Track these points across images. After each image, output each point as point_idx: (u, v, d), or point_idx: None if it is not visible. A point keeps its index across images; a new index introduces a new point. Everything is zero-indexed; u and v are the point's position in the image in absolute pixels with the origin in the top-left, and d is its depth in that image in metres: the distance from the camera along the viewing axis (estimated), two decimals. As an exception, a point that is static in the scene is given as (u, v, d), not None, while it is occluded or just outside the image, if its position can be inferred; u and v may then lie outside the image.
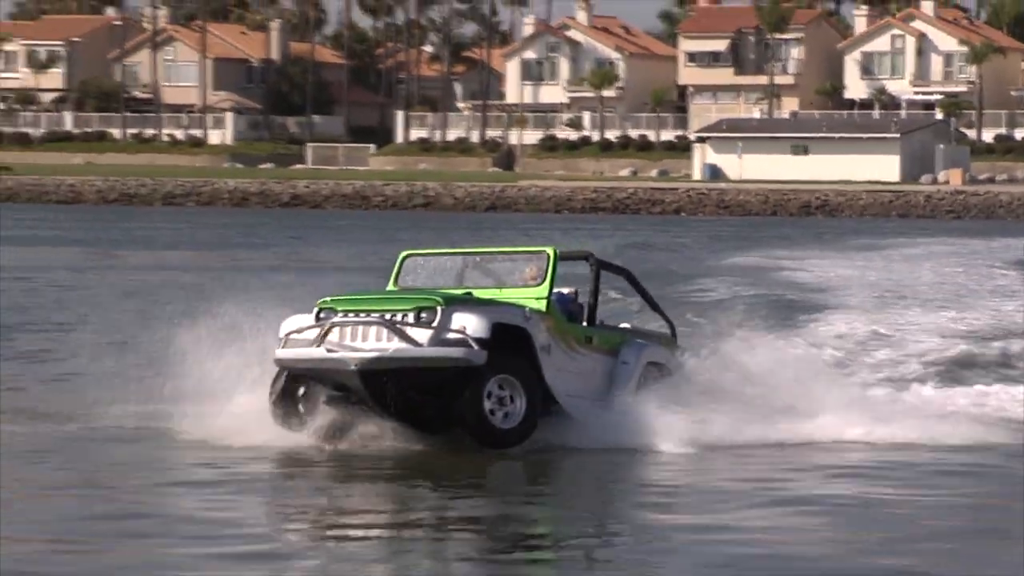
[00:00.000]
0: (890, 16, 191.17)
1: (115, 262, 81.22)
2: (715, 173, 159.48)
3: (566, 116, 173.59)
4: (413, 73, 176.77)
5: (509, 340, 24.94)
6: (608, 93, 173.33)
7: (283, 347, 25.04)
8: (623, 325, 28.91)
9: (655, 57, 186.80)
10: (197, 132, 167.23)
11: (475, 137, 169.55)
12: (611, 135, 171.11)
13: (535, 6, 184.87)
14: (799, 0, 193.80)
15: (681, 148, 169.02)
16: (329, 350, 24.47)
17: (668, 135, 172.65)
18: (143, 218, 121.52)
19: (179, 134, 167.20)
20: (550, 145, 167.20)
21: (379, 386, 24.69)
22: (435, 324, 24.09)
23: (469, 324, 24.07)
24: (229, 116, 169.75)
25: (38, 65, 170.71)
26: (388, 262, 74.45)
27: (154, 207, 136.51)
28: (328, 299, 25.43)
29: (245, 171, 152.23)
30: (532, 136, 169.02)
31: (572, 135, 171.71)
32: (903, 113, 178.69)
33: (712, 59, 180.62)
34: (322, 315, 24.96)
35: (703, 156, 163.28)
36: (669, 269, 77.75)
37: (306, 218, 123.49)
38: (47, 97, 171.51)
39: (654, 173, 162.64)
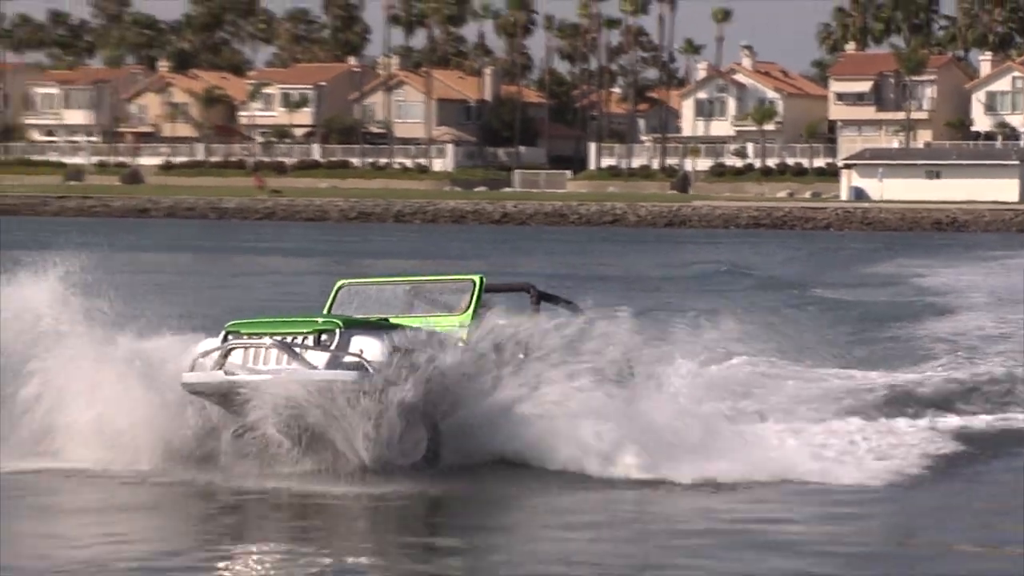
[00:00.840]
0: (1011, 61, 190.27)
1: (358, 268, 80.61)
2: (859, 195, 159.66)
3: (733, 147, 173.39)
4: (604, 111, 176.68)
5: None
6: (768, 127, 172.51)
7: (190, 370, 23.05)
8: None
9: (809, 96, 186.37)
10: (423, 161, 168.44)
11: (656, 164, 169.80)
12: (771, 162, 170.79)
13: (707, 54, 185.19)
14: (932, 47, 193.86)
15: (830, 173, 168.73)
16: (227, 372, 22.43)
17: (819, 162, 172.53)
18: (378, 233, 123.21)
19: (408, 163, 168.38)
20: (719, 171, 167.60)
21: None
22: (333, 347, 22.13)
23: (366, 347, 22.05)
24: (449, 147, 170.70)
25: (291, 105, 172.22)
26: (582, 268, 77.24)
27: (387, 223, 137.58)
28: (235, 322, 23.41)
29: (462, 193, 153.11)
30: (704, 163, 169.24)
31: (738, 163, 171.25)
32: (1022, 143, 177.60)
33: (857, 98, 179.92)
34: (229, 338, 22.95)
35: (849, 180, 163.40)
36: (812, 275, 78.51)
37: (513, 233, 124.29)
38: (299, 132, 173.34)
39: (807, 194, 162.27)
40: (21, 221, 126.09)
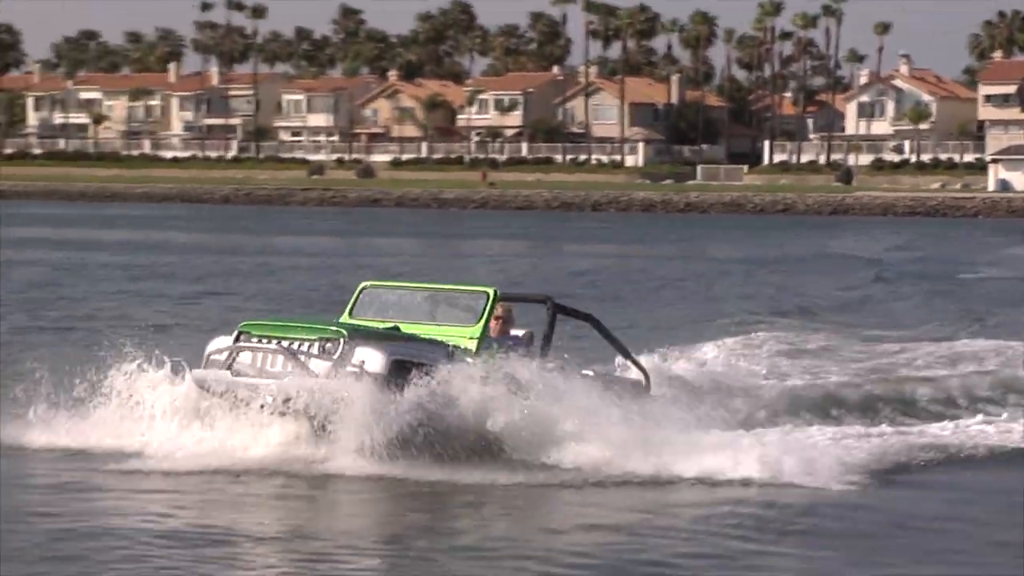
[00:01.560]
0: None
1: (563, 250, 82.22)
2: (1005, 186, 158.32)
3: (891, 144, 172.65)
4: (776, 113, 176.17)
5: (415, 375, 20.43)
6: (923, 126, 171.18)
7: (203, 367, 21.58)
8: (585, 372, 22.71)
9: (959, 99, 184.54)
10: (617, 157, 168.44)
11: (822, 160, 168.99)
12: (925, 158, 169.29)
13: (869, 62, 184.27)
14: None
15: (979, 167, 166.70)
16: (235, 374, 20.85)
17: (969, 157, 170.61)
18: (576, 220, 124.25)
19: (604, 159, 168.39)
20: (879, 166, 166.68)
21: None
22: (336, 356, 20.27)
23: (368, 359, 20.14)
24: (640, 145, 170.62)
25: (503, 109, 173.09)
26: (755, 254, 77.54)
27: (584, 212, 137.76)
28: (248, 323, 21.62)
29: (651, 186, 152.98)
30: (865, 159, 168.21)
31: (895, 158, 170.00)
32: None
33: (1004, 100, 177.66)
34: (240, 339, 21.20)
35: (996, 173, 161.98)
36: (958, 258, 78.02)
37: (696, 220, 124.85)
38: (509, 132, 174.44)
39: (958, 186, 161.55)
40: (274, 210, 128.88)
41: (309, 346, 20.62)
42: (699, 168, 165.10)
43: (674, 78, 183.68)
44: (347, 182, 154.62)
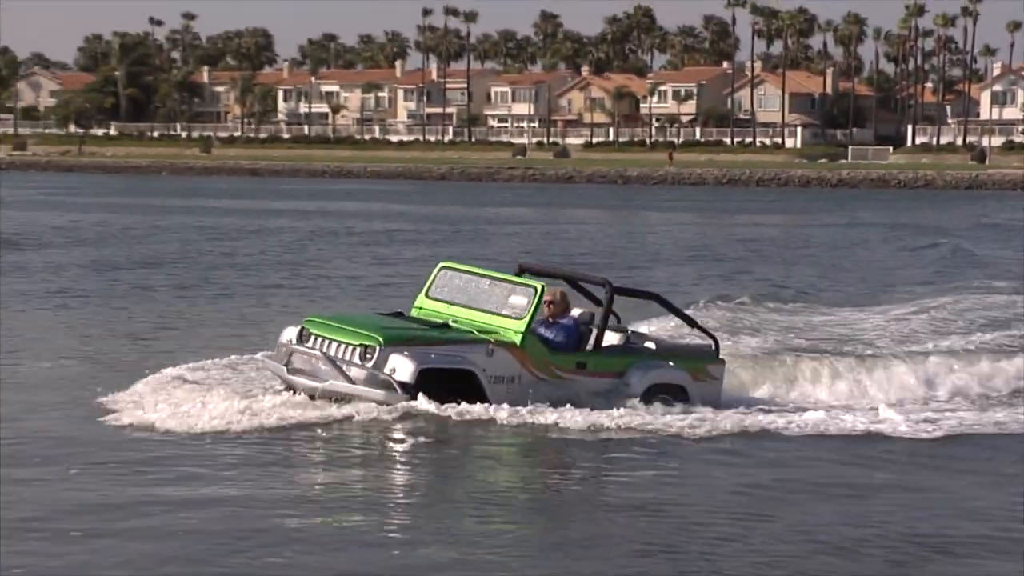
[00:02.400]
0: None
1: (730, 222, 79.49)
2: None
3: (1021, 127, 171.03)
4: (919, 100, 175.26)
5: (457, 377, 18.85)
6: None
7: (272, 353, 20.51)
8: (648, 344, 20.69)
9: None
10: (778, 140, 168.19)
11: (959, 142, 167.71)
12: None
13: (1001, 55, 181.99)
14: None
15: None
16: (290, 371, 19.62)
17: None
18: (742, 194, 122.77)
19: (767, 141, 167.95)
20: (1010, 147, 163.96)
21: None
22: (372, 363, 18.69)
23: (398, 367, 18.55)
24: (799, 130, 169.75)
25: (680, 99, 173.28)
26: (904, 225, 75.83)
27: (749, 187, 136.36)
28: (311, 317, 20.25)
29: (808, 164, 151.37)
30: (997, 140, 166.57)
31: None
32: None
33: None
34: (303, 332, 19.79)
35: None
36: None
37: (846, 194, 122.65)
38: (685, 119, 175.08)
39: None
40: (483, 185, 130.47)
41: (352, 351, 18.82)
42: (850, 149, 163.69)
43: (829, 71, 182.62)
44: (545, 162, 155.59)
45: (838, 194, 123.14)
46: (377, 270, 45.11)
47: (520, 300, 19.28)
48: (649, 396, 19.54)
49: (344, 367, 18.86)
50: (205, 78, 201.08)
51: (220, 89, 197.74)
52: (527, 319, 19.12)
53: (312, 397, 19.19)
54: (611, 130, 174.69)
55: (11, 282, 38.37)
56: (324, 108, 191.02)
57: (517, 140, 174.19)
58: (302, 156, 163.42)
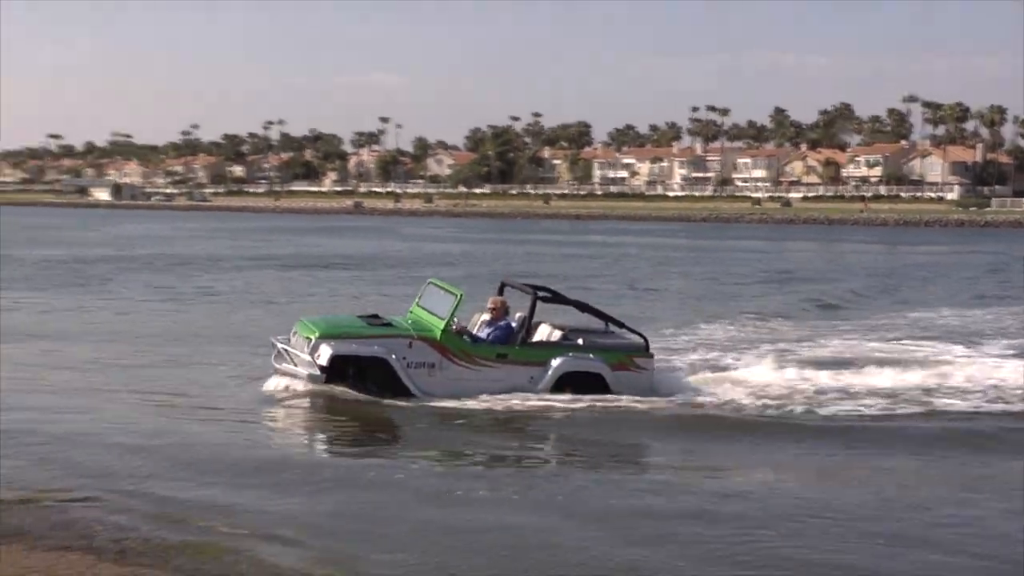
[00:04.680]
0: None
1: (906, 251, 74.64)
2: None
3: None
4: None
5: (372, 363, 16.18)
6: None
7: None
8: (579, 341, 17.19)
9: None
10: (941, 194, 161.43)
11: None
12: None
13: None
14: None
15: None
16: (274, 359, 17.06)
17: None
18: (914, 233, 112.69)
19: (932, 195, 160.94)
20: None
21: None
22: (311, 352, 16.30)
23: (321, 354, 16.15)
24: (955, 187, 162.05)
25: (869, 166, 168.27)
26: None
27: (919, 228, 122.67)
28: (301, 320, 17.49)
29: (962, 211, 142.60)
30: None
31: None
32: None
33: None
34: (292, 331, 17.29)
35: None
36: None
37: (991, 233, 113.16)
38: (873, 179, 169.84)
39: None
40: (730, 226, 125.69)
41: (306, 343, 16.44)
42: (993, 200, 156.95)
43: (979, 146, 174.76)
44: (774, 209, 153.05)
45: (984, 232, 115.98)
46: (666, 282, 43.65)
47: (447, 305, 16.69)
48: (565, 381, 16.61)
49: (295, 355, 16.57)
50: (546, 155, 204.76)
51: (556, 162, 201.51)
52: (447, 319, 16.47)
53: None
54: (821, 188, 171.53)
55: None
56: (624, 174, 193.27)
57: (755, 195, 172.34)
58: (609, 206, 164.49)
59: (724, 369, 19.40)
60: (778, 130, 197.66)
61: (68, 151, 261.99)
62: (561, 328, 17.67)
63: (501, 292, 17.94)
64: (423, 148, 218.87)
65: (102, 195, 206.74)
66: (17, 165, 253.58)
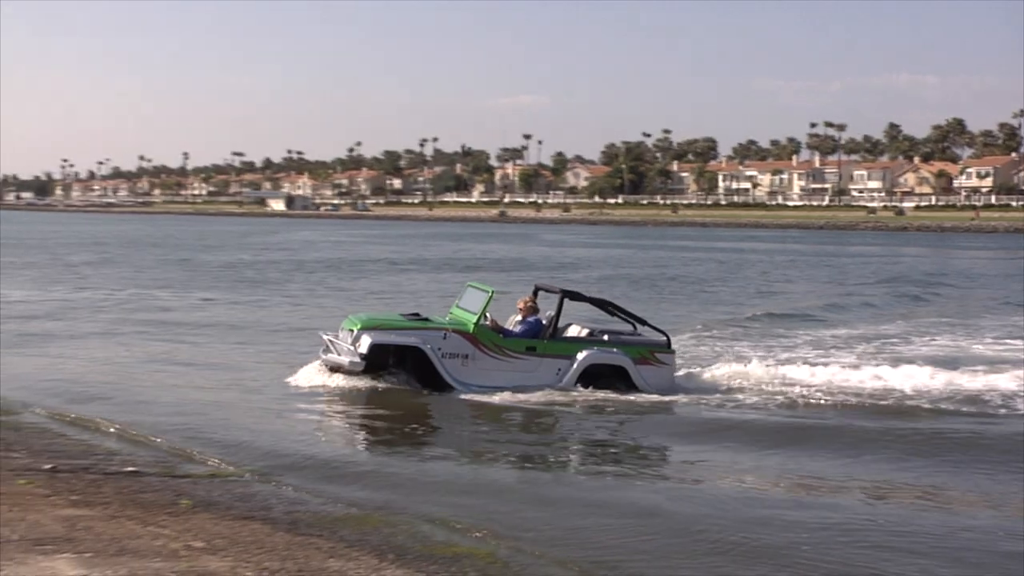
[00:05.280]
0: None
1: (1015, 256, 70.85)
2: None
3: None
4: None
5: (408, 352, 15.87)
6: None
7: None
8: (604, 337, 16.73)
9: None
10: None
11: None
12: None
13: None
14: None
15: None
16: (323, 352, 16.65)
17: None
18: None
19: None
20: None
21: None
22: (353, 342, 15.93)
23: (362, 343, 15.81)
24: None
25: (980, 177, 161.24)
26: None
27: None
28: (349, 316, 16.95)
29: None
30: None
31: None
32: None
33: None
34: (340, 326, 16.91)
35: None
36: None
37: None
38: (984, 189, 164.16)
39: None
40: (846, 233, 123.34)
41: (350, 335, 16.09)
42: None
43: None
44: (888, 218, 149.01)
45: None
46: (789, 285, 42.91)
47: (480, 301, 16.29)
48: (591, 373, 16.23)
49: (339, 346, 16.29)
50: (675, 168, 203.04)
51: (684, 174, 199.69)
52: (479, 313, 16.07)
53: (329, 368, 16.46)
54: (933, 198, 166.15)
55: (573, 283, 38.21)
56: (747, 185, 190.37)
57: (869, 204, 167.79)
58: (732, 214, 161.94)
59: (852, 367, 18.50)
60: (892, 144, 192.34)
61: (249, 167, 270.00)
62: (591, 329, 17.28)
63: (536, 295, 17.44)
64: (562, 162, 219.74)
65: (278, 205, 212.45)
66: (206, 180, 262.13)
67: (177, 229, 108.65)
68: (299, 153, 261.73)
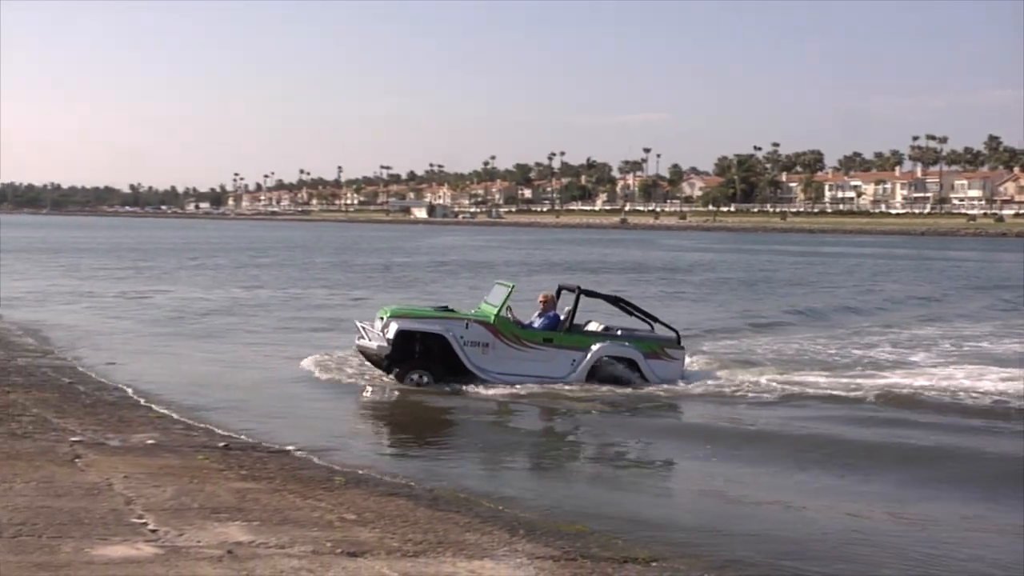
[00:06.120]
0: None
1: None
2: None
3: None
4: None
5: (432, 338, 15.57)
6: None
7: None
8: (617, 332, 16.43)
9: None
10: None
11: None
12: None
13: None
14: None
15: None
16: (358, 339, 16.15)
17: None
18: None
19: None
20: None
21: (367, 359, 16.10)
22: (382, 329, 15.63)
23: (390, 328, 15.51)
24: None
25: None
26: None
27: None
28: (384, 307, 16.57)
29: None
30: None
31: None
32: None
33: None
34: (381, 316, 16.19)
35: None
36: None
37: None
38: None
39: None
40: (947, 239, 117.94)
41: (381, 322, 15.78)
42: None
43: None
44: (988, 225, 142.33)
45: None
46: (909, 288, 40.91)
47: (502, 294, 15.99)
48: (604, 363, 15.83)
49: (371, 332, 15.86)
50: (783, 178, 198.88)
51: (792, 184, 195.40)
52: (500, 305, 15.81)
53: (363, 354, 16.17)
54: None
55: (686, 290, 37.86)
56: (851, 194, 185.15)
57: (970, 212, 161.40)
58: (838, 221, 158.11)
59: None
60: (992, 155, 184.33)
61: (395, 179, 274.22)
62: (607, 326, 16.87)
63: (559, 294, 17.07)
64: (678, 174, 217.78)
65: (420, 213, 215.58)
66: (357, 190, 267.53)
67: (332, 235, 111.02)
68: (439, 166, 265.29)
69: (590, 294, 16.58)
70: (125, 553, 5.88)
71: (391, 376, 15.65)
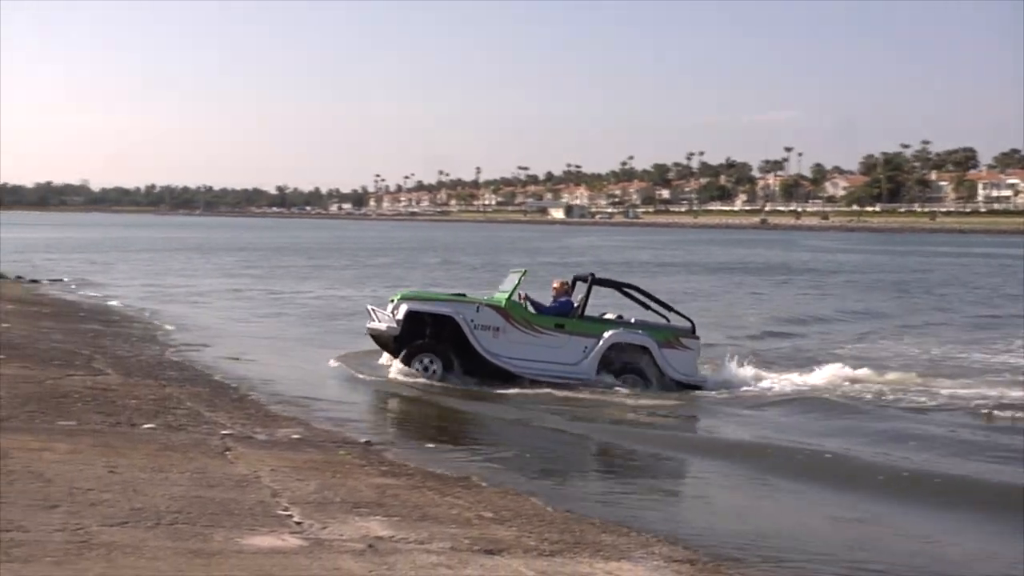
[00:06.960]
0: None
1: None
2: None
3: None
4: None
5: (443, 321, 15.41)
6: None
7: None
8: (631, 320, 16.22)
9: None
10: None
11: None
12: None
13: None
14: None
15: None
16: (368, 322, 16.23)
17: None
18: None
19: None
20: None
21: (377, 342, 15.97)
22: (392, 311, 15.58)
23: (399, 310, 15.47)
24: None
25: None
26: None
27: None
28: (399, 292, 16.47)
29: None
30: None
31: None
32: None
33: None
34: (392, 299, 16.19)
35: None
36: None
37: None
38: None
39: None
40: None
41: (392, 305, 15.78)
42: None
43: None
44: None
45: None
46: None
47: (513, 280, 15.88)
48: (616, 349, 15.52)
49: (381, 314, 15.85)
50: (933, 177, 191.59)
51: (942, 183, 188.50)
52: (510, 290, 15.67)
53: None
54: None
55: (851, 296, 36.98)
56: (1008, 193, 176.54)
57: None
58: (992, 221, 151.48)
59: None
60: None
61: (533, 179, 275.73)
62: (622, 315, 16.56)
63: (574, 284, 16.52)
64: (820, 173, 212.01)
65: (557, 214, 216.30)
66: (495, 191, 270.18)
67: (472, 235, 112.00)
68: (577, 166, 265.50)
69: (603, 283, 16.20)
70: (272, 544, 6.02)
71: (399, 361, 15.37)
